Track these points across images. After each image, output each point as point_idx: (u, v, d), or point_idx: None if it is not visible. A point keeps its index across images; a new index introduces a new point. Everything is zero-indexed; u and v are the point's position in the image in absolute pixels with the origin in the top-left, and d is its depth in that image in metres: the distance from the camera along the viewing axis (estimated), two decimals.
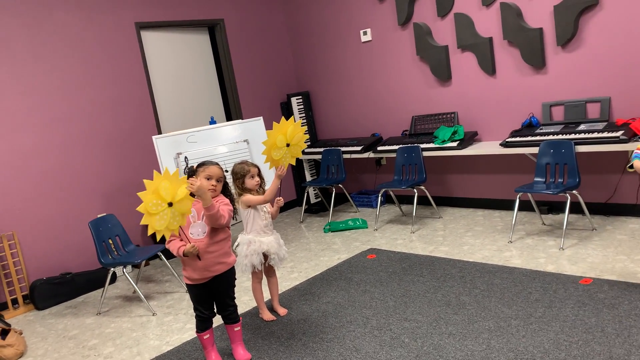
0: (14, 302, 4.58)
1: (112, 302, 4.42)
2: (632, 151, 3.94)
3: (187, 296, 4.25)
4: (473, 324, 3.02)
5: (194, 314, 2.99)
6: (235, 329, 3.05)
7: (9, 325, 3.87)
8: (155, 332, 3.66)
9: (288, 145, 3.43)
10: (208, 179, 2.87)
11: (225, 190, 3.02)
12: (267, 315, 3.56)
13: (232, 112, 6.22)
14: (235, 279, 3.05)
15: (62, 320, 4.23)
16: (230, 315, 3.01)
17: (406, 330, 3.06)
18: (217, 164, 2.96)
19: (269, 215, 3.51)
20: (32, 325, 4.22)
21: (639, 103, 4.16)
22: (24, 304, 4.59)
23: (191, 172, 2.92)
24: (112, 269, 4.28)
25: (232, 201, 3.05)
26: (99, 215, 4.65)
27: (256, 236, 3.46)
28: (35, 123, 4.75)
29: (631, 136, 3.99)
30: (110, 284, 4.70)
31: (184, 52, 5.89)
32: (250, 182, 3.41)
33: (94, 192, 5.08)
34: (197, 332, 3.01)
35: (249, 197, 3.37)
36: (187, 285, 2.96)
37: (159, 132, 5.48)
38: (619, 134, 4.00)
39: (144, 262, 4.71)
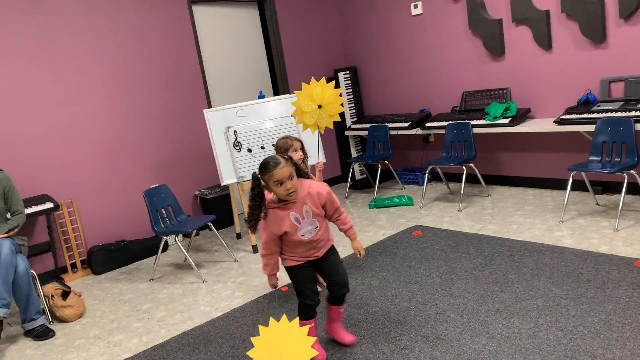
0: (73, 266, 4.82)
1: (163, 269, 4.59)
2: None
3: (236, 265, 4.37)
4: (521, 302, 2.98)
5: (299, 304, 2.72)
6: (340, 310, 2.84)
7: (69, 287, 4.09)
8: (205, 299, 3.79)
9: (320, 107, 3.37)
10: (280, 185, 2.45)
11: (299, 171, 2.59)
12: None
13: (279, 87, 6.26)
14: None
15: (117, 284, 4.43)
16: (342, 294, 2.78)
17: (452, 306, 3.06)
18: (277, 161, 2.46)
19: None
20: (89, 288, 4.45)
21: None
22: (82, 268, 4.83)
23: (256, 180, 2.49)
24: (164, 237, 4.44)
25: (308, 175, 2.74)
26: (152, 186, 4.80)
27: None
28: (94, 96, 4.92)
29: None
30: (162, 252, 4.87)
31: (234, 26, 5.94)
32: (294, 156, 3.44)
33: (148, 163, 5.25)
34: (301, 320, 2.70)
35: None
36: (292, 268, 2.67)
37: (209, 106, 5.58)
38: None
39: (194, 232, 4.86)
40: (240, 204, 5.49)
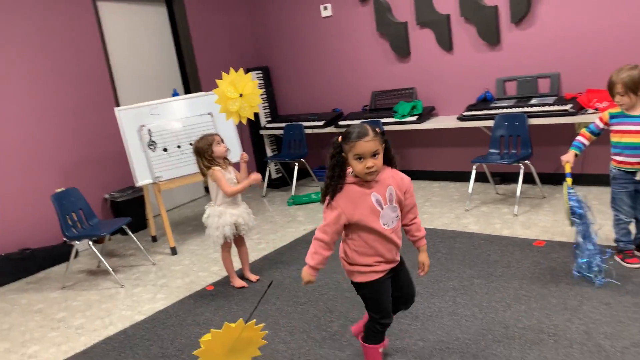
0: None
1: (76, 277, 4.36)
2: (579, 123, 4.22)
3: (154, 268, 4.25)
4: (439, 283, 3.20)
5: (371, 324, 2.31)
6: None
7: None
8: (125, 303, 3.66)
9: (241, 95, 3.47)
10: (360, 160, 2.03)
11: (388, 154, 2.14)
12: (238, 282, 3.62)
13: (190, 85, 6.16)
14: None
15: (24, 295, 4.15)
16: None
17: None
18: (364, 132, 2.02)
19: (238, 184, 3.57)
20: None
21: (586, 78, 4.44)
22: None
23: (337, 147, 2.08)
24: (76, 242, 4.21)
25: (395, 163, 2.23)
26: (59, 190, 4.53)
27: (227, 208, 3.51)
28: None
29: (579, 109, 4.26)
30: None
31: (142, 24, 5.76)
32: (219, 149, 3.45)
33: (53, 166, 4.95)
34: (371, 344, 2.32)
35: (224, 186, 3.40)
36: (374, 283, 2.21)
37: (117, 105, 5.36)
38: (567, 107, 4.26)
39: (108, 237, 4.66)
40: (156, 206, 5.32)
